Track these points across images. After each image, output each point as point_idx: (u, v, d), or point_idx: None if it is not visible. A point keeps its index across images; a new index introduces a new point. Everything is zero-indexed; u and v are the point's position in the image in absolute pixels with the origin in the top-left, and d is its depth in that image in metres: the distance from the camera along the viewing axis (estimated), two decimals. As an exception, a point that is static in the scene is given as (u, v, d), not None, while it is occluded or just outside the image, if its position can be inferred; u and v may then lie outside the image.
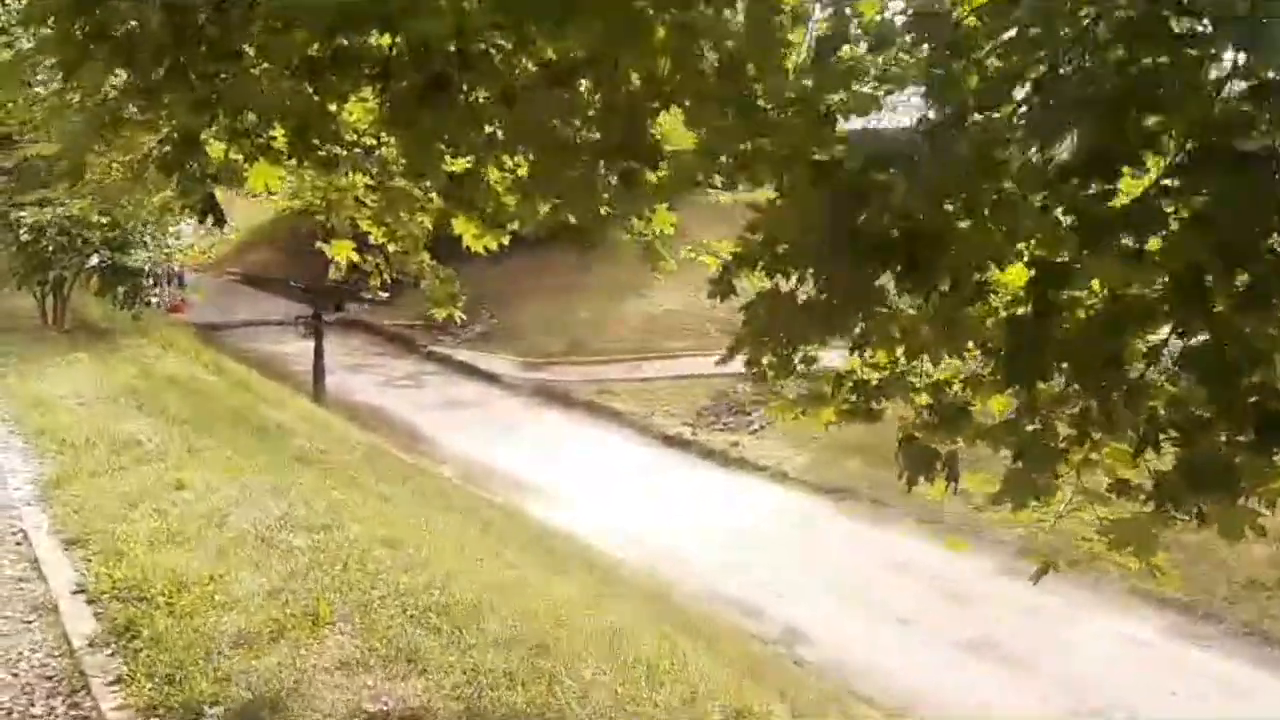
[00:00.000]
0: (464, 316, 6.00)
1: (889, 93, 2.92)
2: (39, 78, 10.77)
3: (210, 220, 3.88)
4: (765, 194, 3.08)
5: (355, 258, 5.31)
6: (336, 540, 4.91)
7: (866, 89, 2.87)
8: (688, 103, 3.00)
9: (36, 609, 4.63)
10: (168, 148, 3.72)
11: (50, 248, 10.56)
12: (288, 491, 5.76)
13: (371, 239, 5.03)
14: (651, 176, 3.32)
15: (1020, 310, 2.62)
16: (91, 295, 11.46)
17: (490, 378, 19.32)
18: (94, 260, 10.44)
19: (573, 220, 3.74)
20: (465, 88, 3.36)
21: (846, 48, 2.90)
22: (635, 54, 2.85)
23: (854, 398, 3.64)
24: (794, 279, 2.90)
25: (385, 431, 15.29)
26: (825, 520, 12.53)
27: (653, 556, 11.02)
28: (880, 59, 2.93)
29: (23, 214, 10.17)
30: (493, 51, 3.26)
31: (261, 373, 15.92)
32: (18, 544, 5.27)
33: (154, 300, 12.25)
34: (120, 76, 3.35)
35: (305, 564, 4.59)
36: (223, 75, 3.24)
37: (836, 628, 9.55)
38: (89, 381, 8.63)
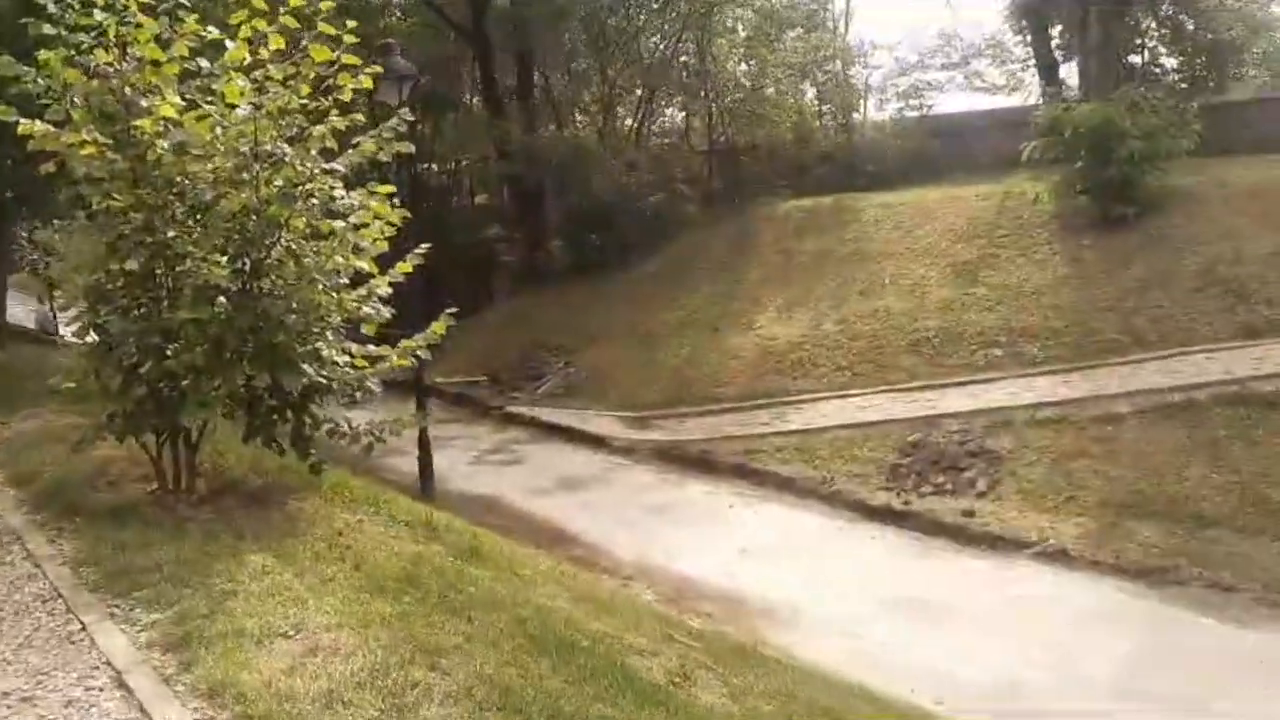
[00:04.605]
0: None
1: None
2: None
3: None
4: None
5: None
6: None
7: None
8: None
9: None
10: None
11: (180, 374, 6.08)
12: None
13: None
14: None
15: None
16: (236, 434, 6.85)
17: (595, 441, 15.84)
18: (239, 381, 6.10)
19: None
20: None
21: None
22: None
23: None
24: None
25: (520, 529, 11.73)
26: (1173, 624, 9.27)
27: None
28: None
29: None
30: None
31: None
32: None
33: (345, 440, 7.02)
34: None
35: None
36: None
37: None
38: (314, 620, 4.57)
